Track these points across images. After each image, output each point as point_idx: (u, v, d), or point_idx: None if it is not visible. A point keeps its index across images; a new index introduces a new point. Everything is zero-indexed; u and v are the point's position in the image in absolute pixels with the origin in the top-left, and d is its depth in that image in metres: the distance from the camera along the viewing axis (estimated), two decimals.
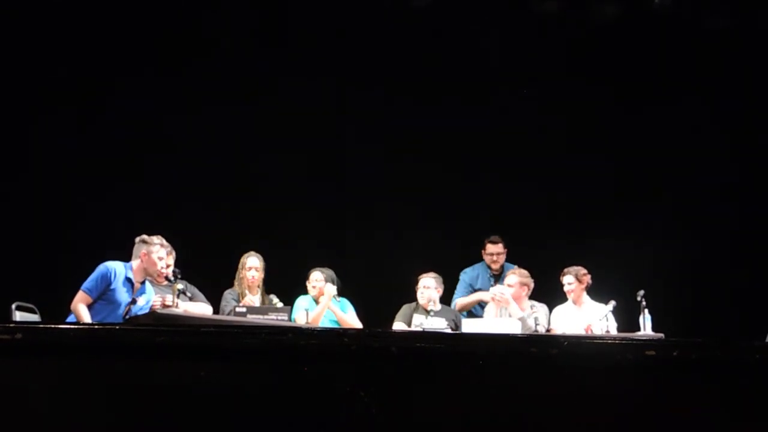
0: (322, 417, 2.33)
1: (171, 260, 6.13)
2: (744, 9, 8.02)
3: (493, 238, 7.35)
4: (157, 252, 5.86)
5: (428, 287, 6.67)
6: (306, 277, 6.75)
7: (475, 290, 7.26)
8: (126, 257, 5.90)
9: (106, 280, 5.70)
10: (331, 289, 6.56)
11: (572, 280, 6.65)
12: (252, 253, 6.66)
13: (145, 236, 5.90)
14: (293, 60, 8.27)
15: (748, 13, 8.05)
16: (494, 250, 7.31)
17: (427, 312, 6.53)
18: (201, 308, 6.16)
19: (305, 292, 6.74)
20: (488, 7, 8.15)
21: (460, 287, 7.31)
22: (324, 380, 2.35)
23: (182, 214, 7.74)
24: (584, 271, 6.70)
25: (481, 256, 7.42)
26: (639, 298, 6.33)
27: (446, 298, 6.96)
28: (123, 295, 5.76)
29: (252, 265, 6.58)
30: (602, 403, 2.42)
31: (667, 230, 8.10)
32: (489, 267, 7.34)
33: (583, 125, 8.35)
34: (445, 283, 6.83)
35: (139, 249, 5.87)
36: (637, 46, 8.29)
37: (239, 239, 7.34)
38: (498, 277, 7.22)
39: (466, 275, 7.37)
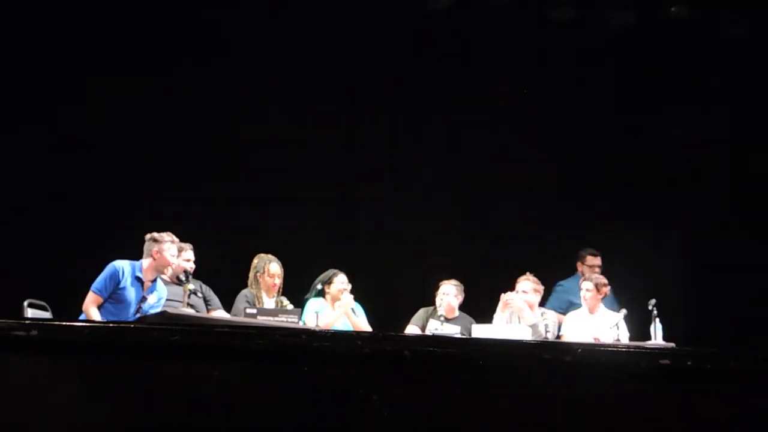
0: (334, 419, 2.33)
1: (191, 255, 6.16)
2: (761, 17, 8.00)
3: (592, 250, 7.26)
4: (169, 249, 5.86)
5: (447, 294, 6.66)
6: (329, 280, 6.60)
7: (573, 303, 7.03)
8: (136, 255, 5.92)
9: (115, 280, 5.72)
10: (349, 298, 6.51)
11: (591, 287, 6.62)
12: (272, 258, 6.55)
13: (155, 234, 5.90)
14: (305, 61, 8.27)
15: (765, 21, 8.03)
16: (596, 263, 7.20)
17: (440, 318, 6.53)
18: (220, 315, 6.18)
19: (315, 294, 6.64)
20: (504, 12, 8.16)
21: (555, 300, 7.10)
22: (337, 383, 2.35)
23: (193, 214, 7.74)
24: (605, 281, 6.68)
25: (576, 269, 7.29)
26: (650, 308, 6.31)
27: (465, 307, 6.91)
28: (133, 294, 5.78)
29: (275, 273, 6.48)
30: (615, 411, 2.41)
31: (677, 239, 8.08)
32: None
33: (596, 130, 8.35)
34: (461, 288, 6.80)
35: (149, 247, 5.88)
36: (653, 52, 8.28)
37: (248, 240, 7.35)
38: None
39: (563, 287, 7.21)
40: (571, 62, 8.33)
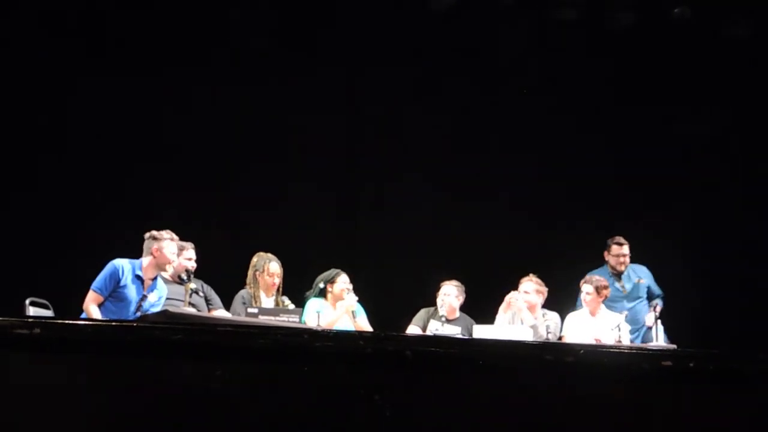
0: (336, 419, 2.33)
1: (192, 254, 6.17)
2: (764, 18, 8.00)
3: (618, 239, 7.26)
4: (168, 247, 5.87)
5: (448, 294, 6.64)
6: (332, 280, 6.56)
7: None
8: (136, 254, 5.92)
9: (115, 278, 5.73)
10: (353, 298, 6.48)
11: (591, 290, 6.62)
12: (272, 257, 6.54)
13: (154, 232, 5.91)
14: (306, 60, 8.27)
15: (767, 22, 8.03)
16: (621, 252, 7.21)
17: (441, 319, 6.52)
18: (221, 314, 6.17)
19: (317, 293, 6.62)
20: (506, 12, 8.16)
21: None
22: (339, 382, 2.35)
23: (193, 213, 7.74)
24: (605, 283, 6.68)
25: (604, 259, 7.28)
26: (652, 309, 6.31)
27: (466, 308, 6.90)
28: (133, 293, 5.79)
29: (274, 272, 6.48)
30: (617, 412, 2.41)
31: (678, 239, 8.07)
32: (613, 268, 7.20)
33: (597, 131, 8.34)
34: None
35: (149, 245, 5.89)
36: (655, 53, 8.28)
37: (248, 239, 7.34)
38: (618, 277, 7.17)
39: None
40: (573, 63, 8.32)
